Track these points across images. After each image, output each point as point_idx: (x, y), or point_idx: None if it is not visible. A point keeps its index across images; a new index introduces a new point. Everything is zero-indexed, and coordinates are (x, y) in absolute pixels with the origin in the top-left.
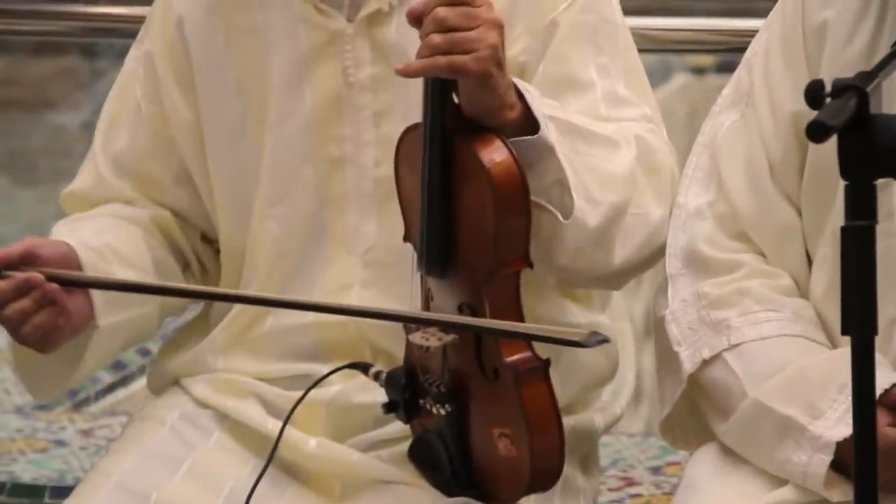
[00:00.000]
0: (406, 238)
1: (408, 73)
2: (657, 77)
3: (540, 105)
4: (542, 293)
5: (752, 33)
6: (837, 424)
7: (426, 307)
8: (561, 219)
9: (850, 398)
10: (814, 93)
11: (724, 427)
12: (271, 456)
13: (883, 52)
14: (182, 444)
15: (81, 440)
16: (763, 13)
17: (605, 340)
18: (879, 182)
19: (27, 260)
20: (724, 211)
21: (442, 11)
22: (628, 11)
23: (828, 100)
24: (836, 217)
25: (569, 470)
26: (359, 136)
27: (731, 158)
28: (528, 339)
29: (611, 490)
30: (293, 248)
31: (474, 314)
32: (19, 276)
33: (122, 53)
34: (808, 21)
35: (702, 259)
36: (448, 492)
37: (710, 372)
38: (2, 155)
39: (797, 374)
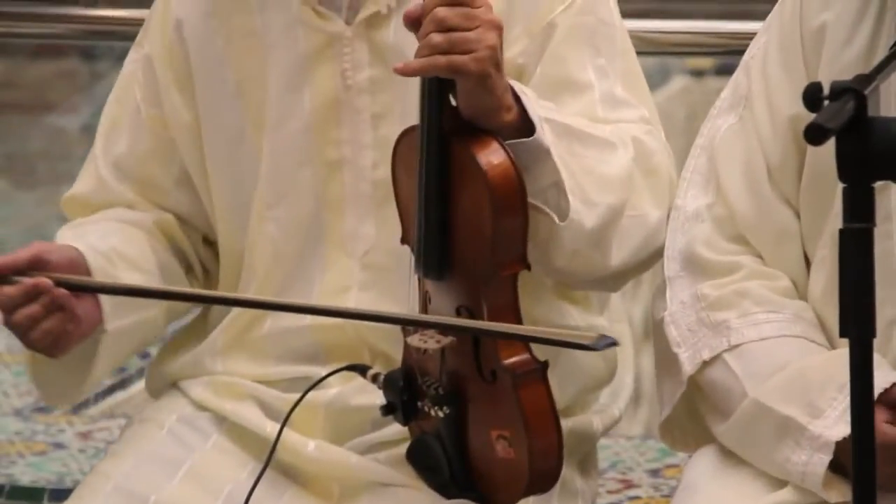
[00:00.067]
0: (403, 240)
1: (407, 72)
2: (656, 80)
3: (536, 107)
4: (540, 295)
5: (751, 36)
6: (836, 423)
7: (424, 309)
8: (557, 221)
9: (849, 398)
10: (812, 95)
11: (724, 428)
12: (269, 458)
13: (881, 54)
14: (180, 446)
15: (80, 443)
16: (762, 16)
17: (615, 343)
18: (877, 184)
19: (36, 265)
20: (722, 213)
21: (442, 11)
22: (628, 14)
23: (826, 102)
24: (835, 219)
25: (567, 472)
26: (357, 139)
27: (729, 161)
28: (536, 342)
29: (609, 492)
30: (291, 250)
31: (472, 316)
32: (28, 281)
33: (121, 56)
34: (806, 24)
35: (700, 262)
36: (446, 494)
37: (710, 373)
38: (1, 157)
39: (797, 375)
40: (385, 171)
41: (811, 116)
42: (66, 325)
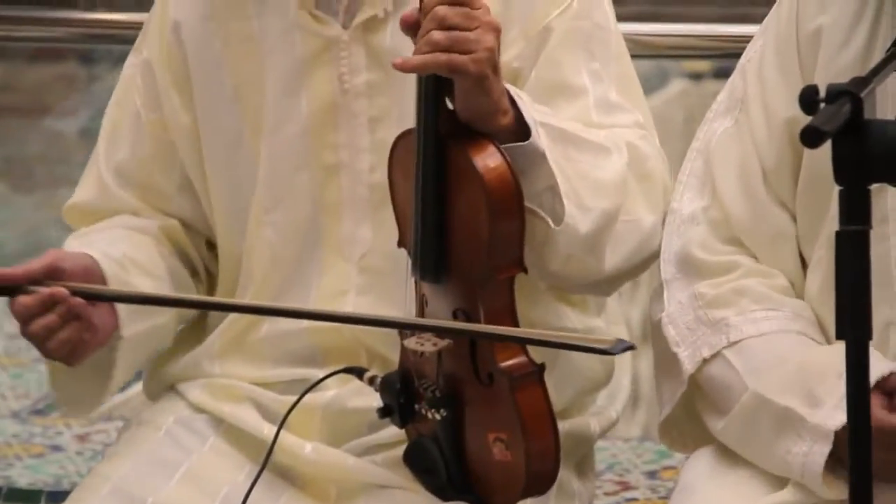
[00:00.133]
0: (400, 243)
1: (406, 68)
2: (654, 83)
3: (531, 111)
4: (537, 298)
5: (748, 39)
6: (835, 411)
7: (421, 312)
8: (552, 225)
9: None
10: (808, 98)
11: (723, 424)
12: (266, 460)
13: (877, 57)
14: (178, 448)
15: (78, 445)
16: (759, 19)
17: (632, 347)
18: (873, 187)
19: (51, 274)
20: (718, 216)
21: (442, 10)
22: (625, 18)
23: (822, 105)
24: (831, 222)
25: (564, 474)
26: (354, 142)
27: (725, 164)
28: (554, 346)
29: (606, 494)
30: (289, 254)
31: (469, 320)
32: (44, 290)
33: (119, 59)
34: (802, 27)
35: (696, 263)
36: (443, 496)
37: (710, 370)
38: None
39: (797, 367)
40: (382, 175)
41: (807, 119)
42: (82, 334)
